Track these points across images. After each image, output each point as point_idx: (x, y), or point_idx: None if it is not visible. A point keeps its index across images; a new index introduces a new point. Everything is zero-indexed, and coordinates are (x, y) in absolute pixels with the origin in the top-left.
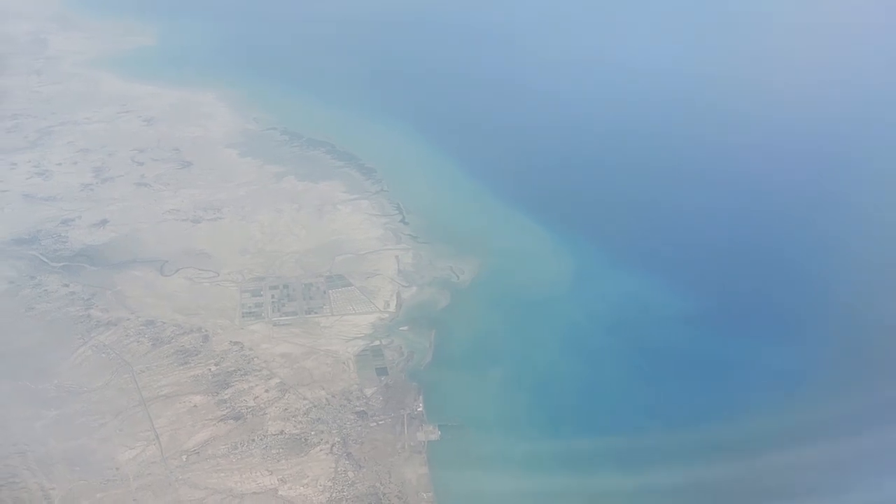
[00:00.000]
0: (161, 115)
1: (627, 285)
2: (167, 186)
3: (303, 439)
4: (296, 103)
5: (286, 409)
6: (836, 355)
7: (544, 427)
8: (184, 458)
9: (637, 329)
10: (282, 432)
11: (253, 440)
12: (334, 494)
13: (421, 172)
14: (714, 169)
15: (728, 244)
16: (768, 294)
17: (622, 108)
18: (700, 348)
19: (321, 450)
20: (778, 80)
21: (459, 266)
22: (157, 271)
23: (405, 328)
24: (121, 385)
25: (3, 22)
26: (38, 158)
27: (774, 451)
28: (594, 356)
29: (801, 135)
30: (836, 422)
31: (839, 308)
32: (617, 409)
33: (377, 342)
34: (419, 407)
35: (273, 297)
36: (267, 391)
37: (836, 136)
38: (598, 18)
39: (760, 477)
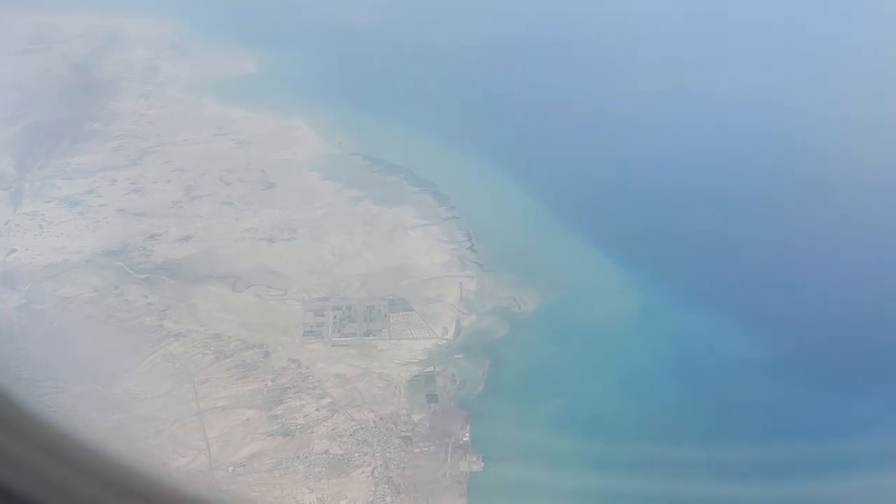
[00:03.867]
0: (253, 139)
1: (697, 325)
2: (249, 206)
3: (346, 460)
4: (381, 130)
5: (333, 429)
6: None
7: (592, 470)
8: (230, 469)
9: (703, 372)
10: (326, 452)
11: (298, 457)
12: None
13: (495, 201)
14: (809, 207)
15: (816, 289)
16: (861, 348)
17: (711, 140)
18: (772, 398)
19: (363, 472)
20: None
21: (522, 296)
22: (230, 287)
23: (460, 356)
24: (182, 394)
25: (125, 49)
26: (136, 176)
27: None
28: (653, 399)
29: None
30: None
31: None
32: (674, 459)
33: (431, 368)
34: (465, 436)
35: (335, 317)
36: (317, 410)
37: None
38: (694, 49)
39: None
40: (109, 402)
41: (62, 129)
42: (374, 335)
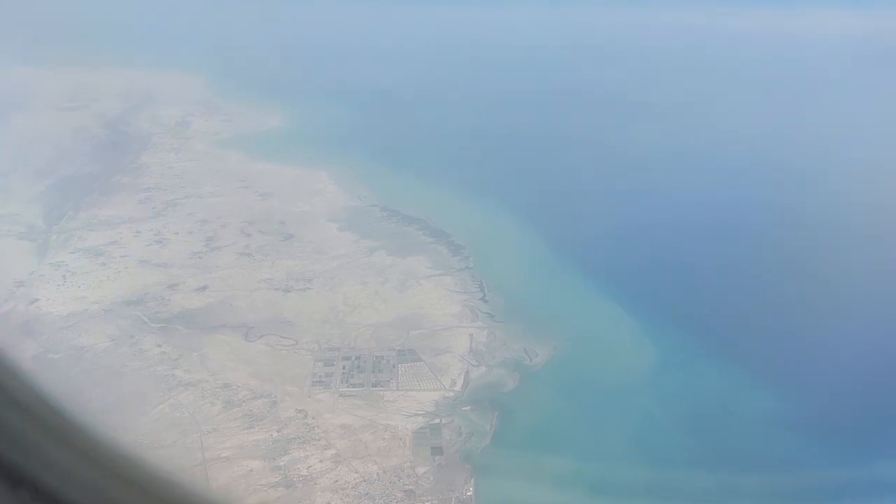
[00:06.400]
0: (275, 191)
1: (712, 380)
2: (267, 257)
3: None
4: (400, 182)
5: (336, 482)
6: None
7: None
8: None
9: (716, 429)
10: None
11: None
12: None
13: (510, 252)
14: (836, 257)
15: (844, 344)
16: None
17: (737, 188)
18: (790, 458)
19: None
20: None
21: (533, 348)
22: (243, 336)
23: (468, 408)
24: (187, 444)
25: (157, 106)
26: (159, 227)
27: None
28: (664, 456)
29: None
30: None
31: None
32: None
33: (437, 420)
34: (469, 491)
35: (344, 367)
36: (321, 461)
37: None
38: (717, 88)
39: None
40: None
41: (92, 183)
42: (381, 386)
